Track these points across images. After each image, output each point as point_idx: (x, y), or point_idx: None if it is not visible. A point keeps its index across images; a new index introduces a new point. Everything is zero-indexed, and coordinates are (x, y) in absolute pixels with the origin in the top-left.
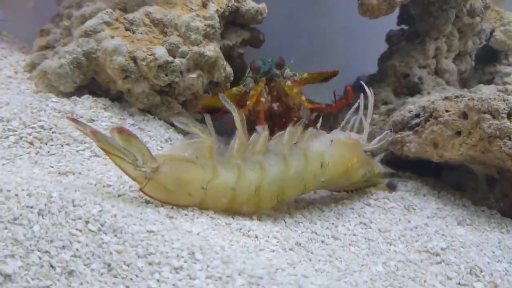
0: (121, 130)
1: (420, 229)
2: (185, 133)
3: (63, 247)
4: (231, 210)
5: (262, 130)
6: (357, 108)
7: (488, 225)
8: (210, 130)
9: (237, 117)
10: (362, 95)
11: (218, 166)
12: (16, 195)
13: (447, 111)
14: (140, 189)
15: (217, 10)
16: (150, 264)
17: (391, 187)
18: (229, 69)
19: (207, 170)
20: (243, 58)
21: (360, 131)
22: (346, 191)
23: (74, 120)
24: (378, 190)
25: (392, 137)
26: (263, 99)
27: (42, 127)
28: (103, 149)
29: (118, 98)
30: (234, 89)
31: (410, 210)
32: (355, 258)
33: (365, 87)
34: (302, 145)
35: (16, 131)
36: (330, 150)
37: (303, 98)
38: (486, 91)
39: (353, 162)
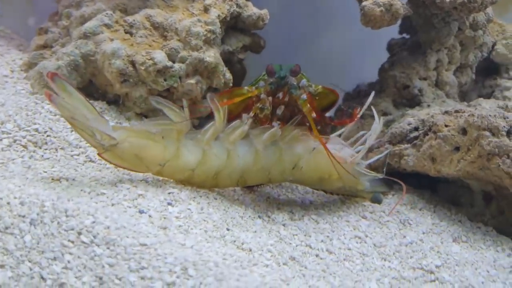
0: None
1: (415, 245)
2: None
3: (55, 258)
4: (189, 184)
5: (245, 121)
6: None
7: (484, 243)
8: (185, 115)
9: (218, 111)
10: (375, 120)
11: (182, 148)
12: (8, 203)
13: (446, 126)
14: (98, 154)
15: (219, 15)
16: (142, 278)
17: (376, 201)
18: (228, 75)
19: (169, 150)
20: (243, 63)
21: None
22: (324, 191)
23: (53, 75)
24: (366, 201)
25: (389, 152)
26: (266, 107)
27: (37, 130)
28: (65, 119)
29: (115, 102)
30: (245, 88)
31: (406, 225)
32: (349, 274)
33: (376, 116)
34: (281, 144)
35: (10, 133)
36: (308, 156)
37: (313, 115)
38: (486, 106)
39: (330, 174)
